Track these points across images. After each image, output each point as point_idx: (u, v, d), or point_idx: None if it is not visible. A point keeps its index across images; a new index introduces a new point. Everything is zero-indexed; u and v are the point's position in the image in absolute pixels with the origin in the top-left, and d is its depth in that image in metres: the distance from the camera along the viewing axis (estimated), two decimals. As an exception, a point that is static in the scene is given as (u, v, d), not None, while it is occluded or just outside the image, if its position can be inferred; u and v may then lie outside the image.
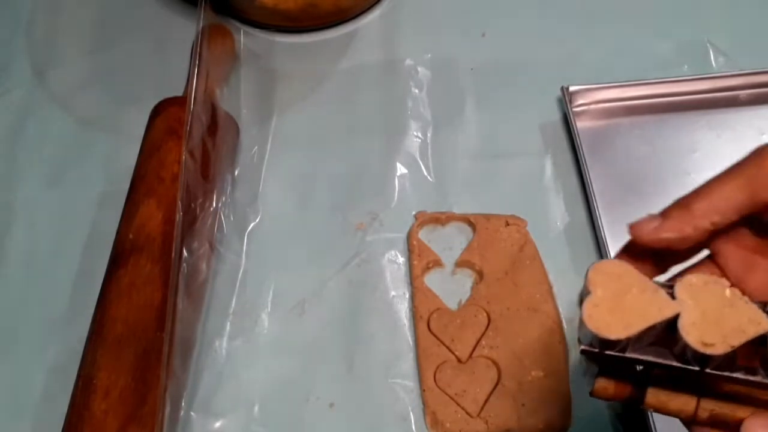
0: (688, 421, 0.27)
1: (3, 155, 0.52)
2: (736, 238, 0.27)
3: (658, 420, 0.38)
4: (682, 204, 0.26)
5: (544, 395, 0.40)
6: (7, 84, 0.56)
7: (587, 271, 0.26)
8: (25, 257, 0.47)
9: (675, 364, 0.25)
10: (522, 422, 0.39)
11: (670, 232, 0.26)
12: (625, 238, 0.48)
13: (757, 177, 0.26)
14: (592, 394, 0.28)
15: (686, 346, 0.24)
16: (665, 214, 0.26)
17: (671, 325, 0.25)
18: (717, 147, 0.50)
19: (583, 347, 0.26)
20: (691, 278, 0.25)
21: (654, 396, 0.27)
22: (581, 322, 0.25)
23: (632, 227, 0.27)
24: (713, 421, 0.27)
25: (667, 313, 0.25)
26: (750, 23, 0.57)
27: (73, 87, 0.56)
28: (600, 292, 0.25)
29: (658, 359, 0.25)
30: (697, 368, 0.25)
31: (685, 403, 0.27)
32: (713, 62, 0.54)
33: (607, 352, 0.25)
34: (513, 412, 0.39)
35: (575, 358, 0.42)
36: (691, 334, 0.24)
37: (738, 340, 0.24)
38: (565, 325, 0.43)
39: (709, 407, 0.26)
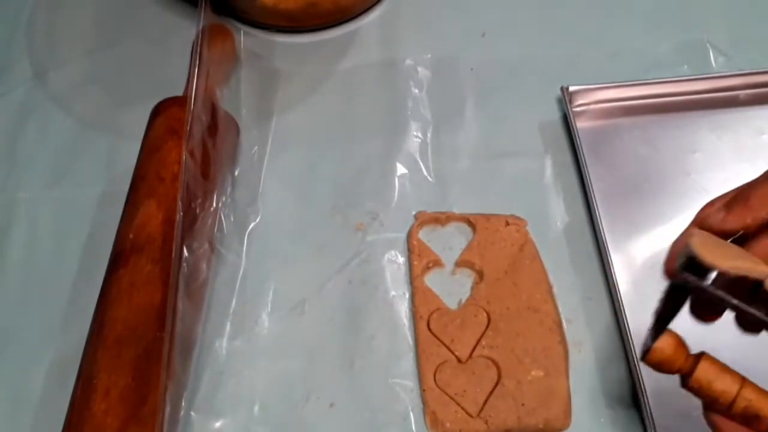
0: (721, 409, 0.29)
1: (3, 155, 0.52)
2: None
3: (659, 425, 0.38)
4: (742, 199, 0.31)
5: (544, 395, 0.40)
6: (7, 84, 0.56)
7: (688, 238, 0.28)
8: (25, 257, 0.47)
9: (758, 313, 0.27)
10: (522, 422, 0.39)
11: (733, 224, 0.30)
12: (625, 238, 0.48)
13: None
14: (645, 357, 0.29)
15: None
16: (729, 207, 0.31)
17: (754, 288, 0.27)
18: (717, 147, 0.50)
19: (677, 278, 0.28)
20: None
21: (704, 371, 0.28)
22: (685, 250, 0.28)
23: (701, 217, 0.31)
24: (745, 413, 0.28)
25: (762, 270, 0.27)
26: (750, 23, 0.57)
27: (73, 87, 0.56)
28: (703, 238, 0.28)
29: (743, 305, 0.28)
30: None
31: (730, 386, 0.28)
32: (713, 62, 0.54)
33: (701, 285, 0.28)
34: (513, 412, 0.39)
35: (575, 358, 0.42)
36: None
37: None
38: (565, 325, 0.43)
39: (748, 396, 0.28)
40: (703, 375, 0.28)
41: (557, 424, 0.39)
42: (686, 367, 0.29)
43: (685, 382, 0.29)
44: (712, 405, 0.29)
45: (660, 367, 0.29)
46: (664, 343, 0.29)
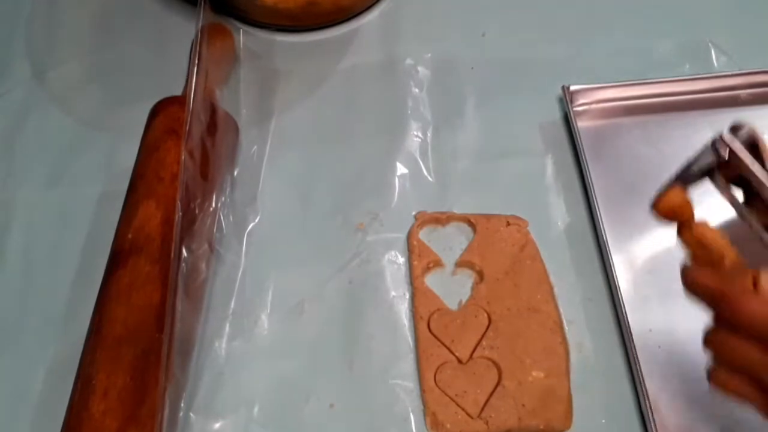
0: (710, 260, 0.33)
1: (3, 155, 0.52)
2: None
3: (660, 425, 0.38)
4: None
5: (544, 396, 0.40)
6: (7, 84, 0.56)
7: None
8: (25, 257, 0.47)
9: None
10: (523, 423, 0.39)
11: None
12: (626, 238, 0.48)
13: None
14: (659, 201, 0.34)
15: None
16: None
17: None
18: (718, 147, 0.50)
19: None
20: None
21: (706, 223, 0.33)
22: (738, 122, 0.33)
23: None
24: (732, 267, 0.32)
25: None
26: (751, 23, 0.57)
27: (73, 87, 0.56)
28: None
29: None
30: None
31: (724, 239, 0.32)
32: (714, 62, 0.54)
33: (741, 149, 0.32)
34: (514, 413, 0.39)
35: (576, 358, 0.42)
36: None
37: None
38: (565, 326, 0.43)
39: (737, 253, 0.32)
40: (705, 225, 0.32)
41: (558, 424, 0.39)
42: (691, 218, 0.33)
43: (686, 232, 0.33)
44: (703, 257, 0.33)
45: (671, 213, 0.33)
46: (677, 190, 0.33)
